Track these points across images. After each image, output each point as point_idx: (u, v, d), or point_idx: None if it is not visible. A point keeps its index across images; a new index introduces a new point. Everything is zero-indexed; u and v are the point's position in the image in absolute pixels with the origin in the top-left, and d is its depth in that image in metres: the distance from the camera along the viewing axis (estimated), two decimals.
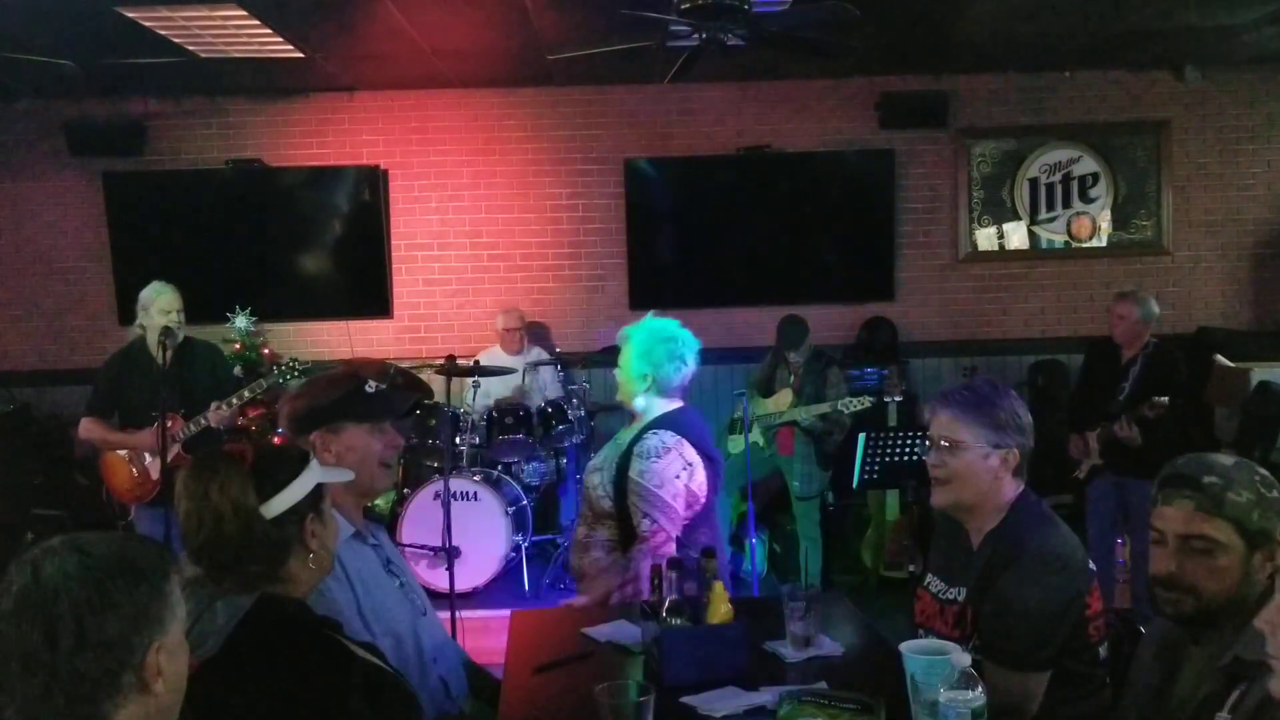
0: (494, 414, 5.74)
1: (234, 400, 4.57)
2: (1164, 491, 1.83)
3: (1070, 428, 5.11)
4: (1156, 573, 1.82)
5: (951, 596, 2.30)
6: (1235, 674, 1.69)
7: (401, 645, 2.28)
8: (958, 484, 2.26)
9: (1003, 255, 6.89)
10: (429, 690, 2.33)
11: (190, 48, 5.48)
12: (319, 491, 1.88)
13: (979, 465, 2.24)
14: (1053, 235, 6.87)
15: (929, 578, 2.44)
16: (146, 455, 4.60)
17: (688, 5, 4.31)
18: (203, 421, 4.52)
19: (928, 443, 2.33)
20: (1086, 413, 5.01)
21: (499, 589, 5.50)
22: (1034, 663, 2.10)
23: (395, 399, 2.52)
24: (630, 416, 3.24)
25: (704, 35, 4.44)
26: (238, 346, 6.17)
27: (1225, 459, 1.83)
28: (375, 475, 2.41)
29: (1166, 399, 4.60)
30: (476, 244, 6.80)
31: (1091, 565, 2.23)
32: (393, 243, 6.76)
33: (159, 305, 4.51)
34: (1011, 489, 2.27)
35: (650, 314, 3.27)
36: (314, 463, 1.91)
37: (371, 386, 2.46)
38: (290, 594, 1.84)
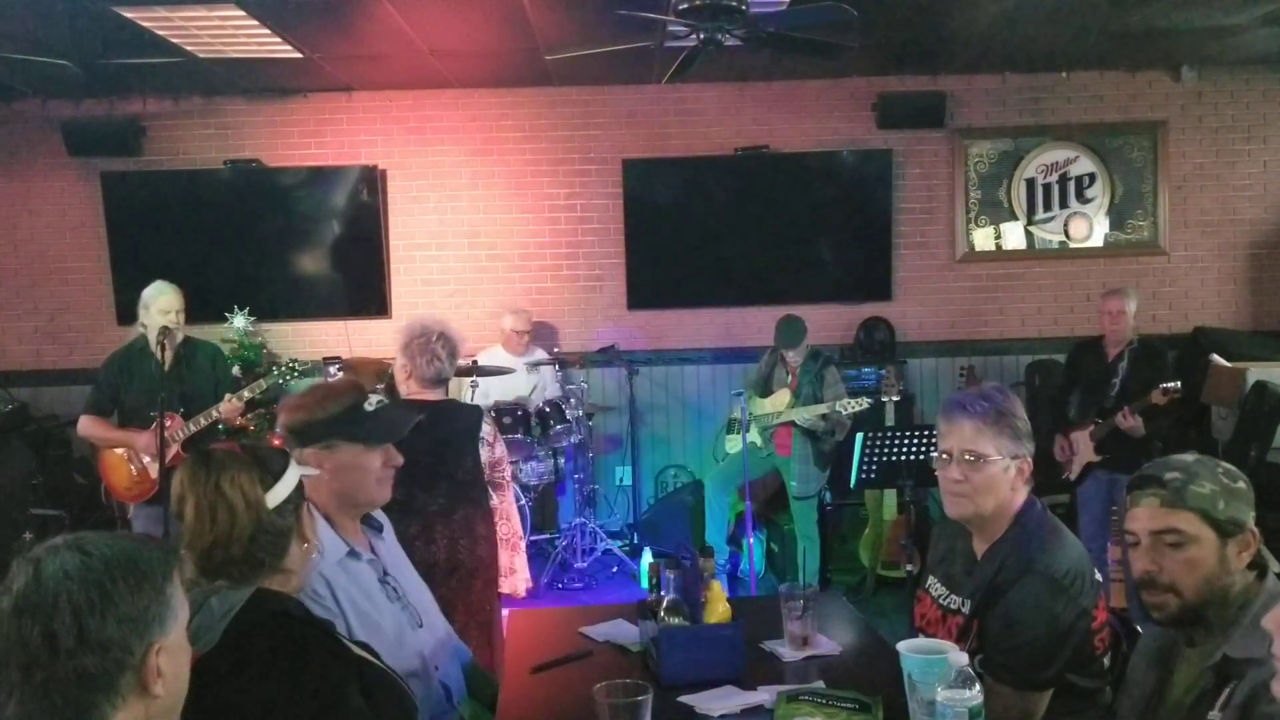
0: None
1: (245, 393, 4.63)
2: (1132, 495, 1.88)
3: (1056, 428, 5.13)
4: (1137, 575, 1.86)
5: (954, 606, 2.28)
6: (1225, 672, 1.71)
7: (398, 662, 2.26)
8: (980, 497, 2.22)
9: (1000, 255, 6.90)
10: (431, 697, 2.32)
11: (189, 48, 5.48)
12: (301, 482, 1.95)
13: (1001, 478, 2.22)
14: (1049, 235, 6.88)
15: (930, 579, 2.43)
16: (145, 454, 4.61)
17: (685, 5, 4.32)
18: (203, 421, 4.54)
19: (944, 455, 2.27)
20: (1078, 413, 5.05)
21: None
22: (1037, 682, 2.09)
23: (395, 420, 2.45)
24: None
25: (701, 35, 4.44)
26: (236, 346, 6.18)
27: (1187, 457, 1.88)
28: (372, 491, 2.38)
29: (1179, 383, 4.71)
30: (475, 244, 6.81)
31: (1098, 576, 2.22)
32: (391, 243, 6.76)
33: (159, 305, 4.52)
34: (1021, 498, 2.26)
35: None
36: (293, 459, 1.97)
37: (371, 404, 2.41)
38: (286, 585, 1.87)
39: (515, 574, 3.61)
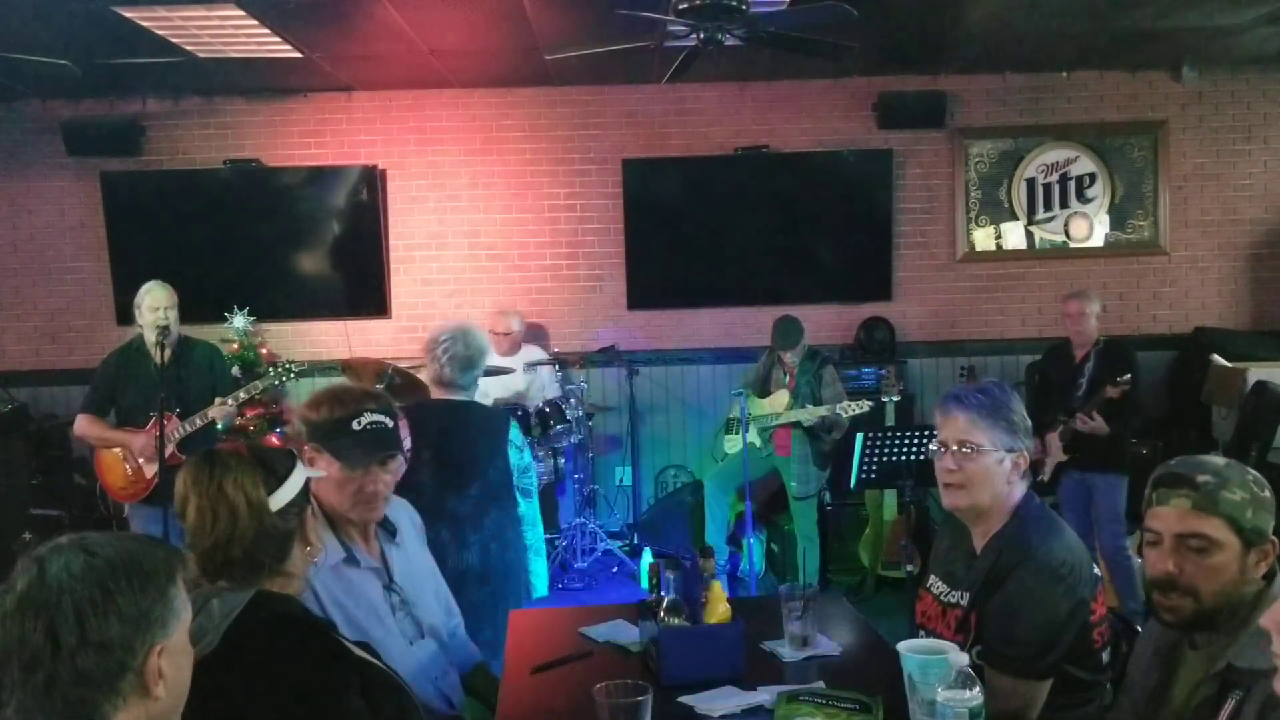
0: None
1: (241, 394, 4.62)
2: (1158, 492, 1.84)
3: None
4: (1154, 575, 1.82)
5: (954, 600, 2.29)
6: (1230, 681, 1.69)
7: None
8: (974, 488, 2.24)
9: (1000, 255, 6.90)
10: (428, 707, 2.31)
11: (188, 48, 5.48)
12: (307, 484, 1.93)
13: (995, 469, 2.23)
14: (1050, 235, 6.88)
15: (931, 578, 2.43)
16: (140, 455, 4.60)
17: (685, 5, 4.32)
18: (198, 421, 4.53)
19: (939, 447, 2.29)
20: (1048, 415, 5.06)
21: None
22: (1037, 671, 2.09)
23: (370, 446, 2.34)
24: None
25: (701, 35, 4.44)
26: (235, 346, 6.18)
27: (1217, 459, 1.85)
28: (348, 507, 2.34)
29: (1129, 376, 4.76)
30: (474, 244, 6.81)
31: (1096, 570, 2.23)
32: (390, 243, 6.76)
33: (147, 303, 4.52)
34: (1019, 492, 2.27)
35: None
36: (299, 461, 1.96)
37: (360, 423, 2.34)
38: (288, 587, 1.87)
39: (535, 575, 3.61)
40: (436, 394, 3.44)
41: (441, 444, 3.19)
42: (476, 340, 3.44)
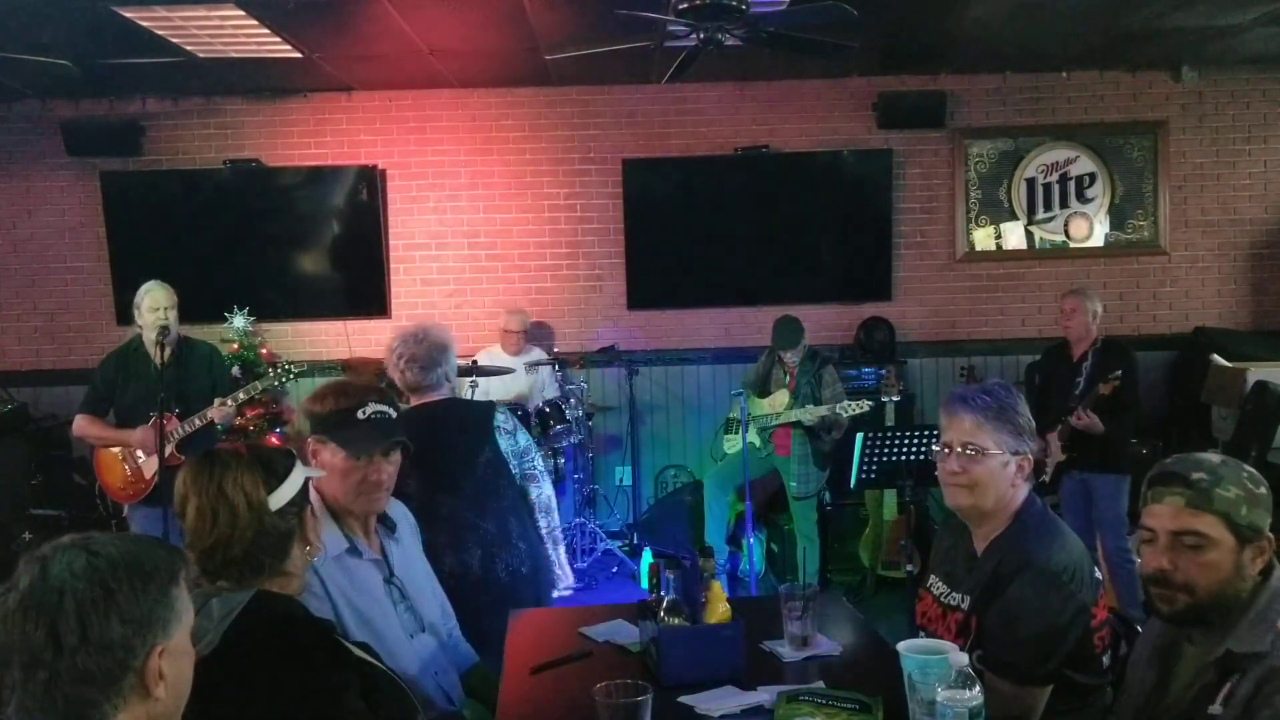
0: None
1: (240, 395, 4.61)
2: (1154, 489, 1.86)
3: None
4: (1149, 570, 1.84)
5: (954, 602, 2.29)
6: (1228, 667, 1.71)
7: (394, 666, 2.24)
8: (978, 490, 2.24)
9: (1000, 255, 6.90)
10: (428, 702, 2.32)
11: (188, 48, 5.48)
12: (306, 484, 1.94)
13: (1000, 472, 2.23)
14: (1050, 235, 6.88)
15: (931, 578, 2.43)
16: (140, 454, 4.60)
17: (685, 5, 4.32)
18: (197, 422, 4.53)
19: (944, 448, 2.28)
20: (1048, 415, 5.07)
21: None
22: (1037, 677, 2.09)
23: (374, 435, 2.39)
24: None
25: (701, 35, 4.44)
26: (235, 346, 6.18)
27: (1213, 456, 1.86)
28: (350, 500, 2.37)
29: (1120, 372, 4.76)
30: (474, 244, 6.81)
31: (1098, 574, 2.22)
32: (390, 243, 6.76)
33: (146, 303, 4.51)
34: (1021, 495, 2.27)
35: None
36: (298, 460, 1.96)
37: (364, 413, 2.38)
38: (287, 587, 1.87)
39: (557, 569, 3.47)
40: (413, 401, 3.29)
41: (420, 450, 3.07)
42: (431, 336, 3.27)
